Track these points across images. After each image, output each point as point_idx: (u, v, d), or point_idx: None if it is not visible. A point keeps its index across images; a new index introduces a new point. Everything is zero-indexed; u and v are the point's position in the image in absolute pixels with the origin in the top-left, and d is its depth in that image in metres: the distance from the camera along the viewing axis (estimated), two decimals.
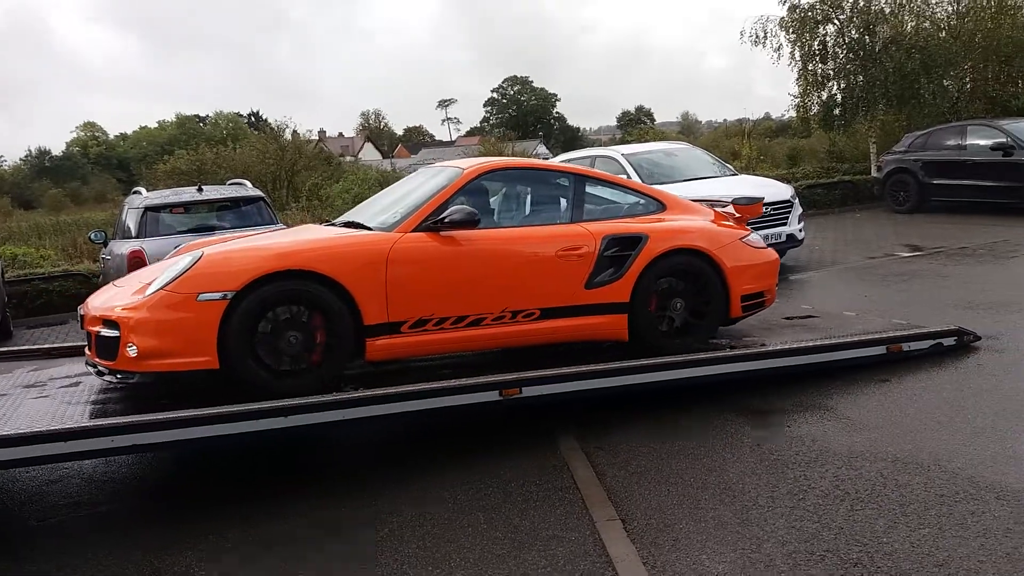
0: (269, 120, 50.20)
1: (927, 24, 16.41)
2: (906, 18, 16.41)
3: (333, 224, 5.42)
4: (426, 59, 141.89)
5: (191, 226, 7.99)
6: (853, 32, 16.46)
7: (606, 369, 4.62)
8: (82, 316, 4.61)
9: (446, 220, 4.65)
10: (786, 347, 5.17)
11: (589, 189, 5.40)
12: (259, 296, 4.18)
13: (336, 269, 4.33)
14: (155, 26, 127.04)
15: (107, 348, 4.23)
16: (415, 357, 4.87)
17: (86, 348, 4.56)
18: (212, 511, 4.03)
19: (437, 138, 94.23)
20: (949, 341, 5.58)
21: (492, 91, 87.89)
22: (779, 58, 17.08)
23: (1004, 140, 12.69)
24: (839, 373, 5.21)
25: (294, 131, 30.22)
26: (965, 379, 5.03)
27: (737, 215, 5.76)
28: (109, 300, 4.50)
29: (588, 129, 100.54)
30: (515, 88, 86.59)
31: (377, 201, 5.76)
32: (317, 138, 47.43)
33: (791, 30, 16.61)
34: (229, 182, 9.70)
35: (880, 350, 5.38)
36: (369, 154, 75.59)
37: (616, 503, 3.70)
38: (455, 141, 79.11)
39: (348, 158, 58.02)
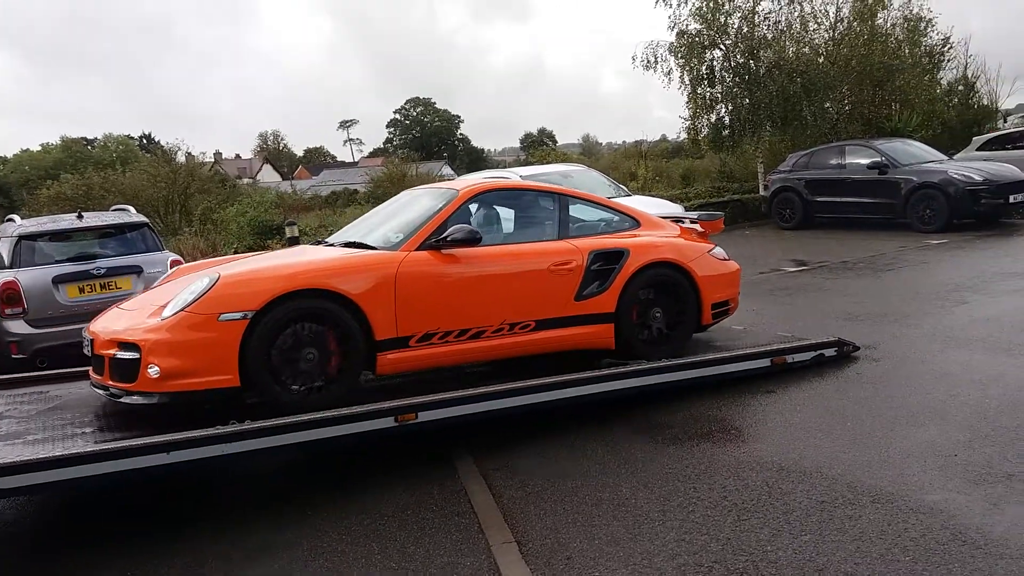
0: (162, 143, 48.45)
1: (807, 49, 17.30)
2: (787, 44, 17.26)
3: (329, 244, 5.60)
4: (325, 79, 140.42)
5: (70, 255, 7.57)
6: (738, 57, 17.19)
7: (500, 391, 4.61)
8: (91, 341, 4.61)
9: (448, 239, 4.90)
10: (676, 362, 5.28)
11: (572, 207, 5.73)
12: (278, 315, 4.32)
13: (350, 287, 4.52)
14: (37, 46, 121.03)
15: (125, 370, 4.28)
16: (422, 369, 5.05)
17: (92, 372, 4.64)
18: (89, 552, 3.79)
19: (339, 159, 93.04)
20: (830, 352, 5.85)
21: (395, 112, 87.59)
22: (670, 82, 17.69)
23: (879, 159, 13.49)
24: (728, 386, 5.38)
25: (188, 153, 29.28)
26: (845, 388, 5.26)
27: (701, 230, 6.20)
28: (122, 323, 4.56)
29: (493, 150, 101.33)
30: (418, 109, 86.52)
31: (369, 221, 5.94)
32: (212, 160, 46.02)
33: (680, 55, 17.23)
34: (112, 208, 9.25)
35: (765, 363, 5.58)
36: (268, 176, 73.80)
37: (512, 525, 3.68)
38: (358, 162, 78.30)
39: (246, 180, 56.55)
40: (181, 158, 27.56)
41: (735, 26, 16.99)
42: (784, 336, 6.21)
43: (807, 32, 17.34)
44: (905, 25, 17.80)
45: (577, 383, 4.89)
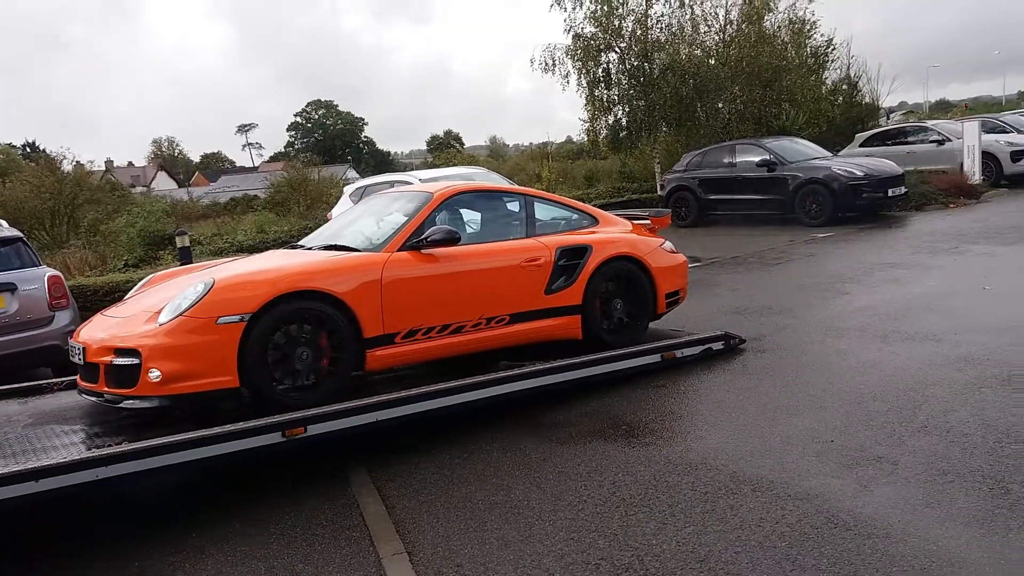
0: (47, 151, 45.91)
1: (698, 52, 17.85)
2: (680, 46, 17.76)
3: (306, 247, 5.74)
4: (222, 83, 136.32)
5: None
6: (633, 60, 17.58)
7: (393, 399, 4.55)
8: (82, 349, 4.62)
9: (428, 239, 5.16)
10: (570, 362, 5.33)
11: (537, 207, 6.10)
12: (274, 316, 4.48)
13: (340, 288, 4.72)
14: None
15: (124, 376, 4.34)
16: (408, 365, 5.22)
17: (81, 380, 4.72)
18: None
19: (238, 164, 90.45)
20: (718, 345, 6.04)
21: (295, 115, 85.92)
22: (568, 84, 17.94)
23: (768, 157, 14.04)
24: (621, 382, 5.48)
25: (76, 161, 27.81)
26: (731, 380, 5.43)
27: (652, 226, 6.68)
28: (114, 330, 4.61)
29: (400, 153, 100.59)
30: (320, 112, 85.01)
31: (340, 225, 6.16)
32: (104, 168, 43.91)
33: (576, 58, 17.50)
34: None
35: (656, 358, 5.71)
36: (163, 183, 71.04)
37: (404, 536, 3.64)
38: (258, 167, 76.18)
39: (139, 189, 54.12)
40: (68, 167, 26.14)
41: (629, 29, 17.36)
42: (676, 331, 6.38)
43: (698, 35, 17.90)
44: (790, 27, 18.58)
45: (472, 387, 4.87)
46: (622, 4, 17.15)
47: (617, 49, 17.62)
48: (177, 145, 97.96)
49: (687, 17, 17.53)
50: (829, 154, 14.85)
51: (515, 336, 5.50)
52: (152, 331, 4.37)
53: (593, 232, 6.12)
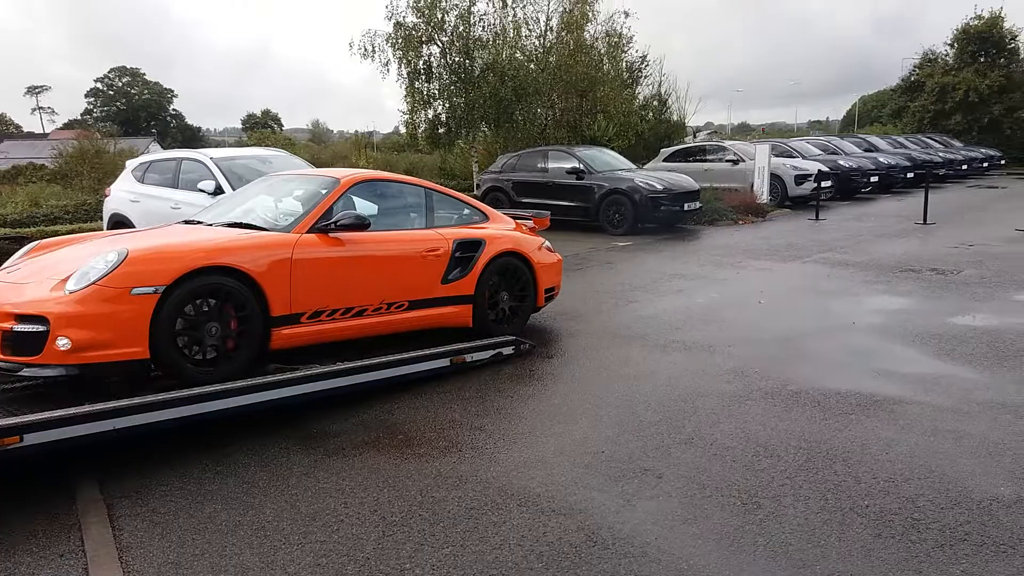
0: None
1: (519, 55, 18.00)
2: (502, 47, 17.83)
3: (205, 224, 5.72)
4: (10, 39, 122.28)
5: None
6: (455, 55, 17.45)
7: (132, 405, 3.99)
8: None
9: (337, 223, 5.32)
10: (353, 365, 5.01)
11: (437, 200, 6.38)
12: (186, 289, 4.49)
13: (252, 266, 4.79)
14: None
15: (27, 343, 4.24)
16: (311, 344, 5.22)
17: None
18: None
19: (27, 129, 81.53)
20: (508, 350, 5.95)
21: (96, 81, 78.81)
22: (388, 73, 17.51)
23: (577, 165, 14.36)
24: (407, 387, 5.23)
25: None
26: (515, 386, 5.34)
27: (533, 226, 7.13)
28: (13, 295, 4.49)
29: (213, 130, 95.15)
30: (124, 79, 78.49)
31: (234, 203, 6.20)
32: None
33: (397, 47, 17.10)
34: None
35: (445, 362, 5.51)
36: None
37: (126, 563, 3.17)
38: (48, 134, 69.02)
39: None
40: None
41: (452, 24, 17.20)
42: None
43: (520, 38, 18.04)
44: (607, 40, 19.21)
45: (240, 392, 4.42)
46: None
47: (439, 43, 17.41)
48: None
49: (509, 19, 17.64)
50: (634, 166, 15.44)
51: (412, 322, 5.77)
52: (61, 298, 4.30)
53: (485, 227, 6.48)
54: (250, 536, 3.37)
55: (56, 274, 4.57)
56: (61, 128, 73.11)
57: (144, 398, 4.08)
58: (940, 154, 26.16)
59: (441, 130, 18.05)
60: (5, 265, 5.38)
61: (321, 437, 4.50)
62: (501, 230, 6.56)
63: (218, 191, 9.05)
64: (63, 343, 4.18)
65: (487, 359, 5.79)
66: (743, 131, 70.55)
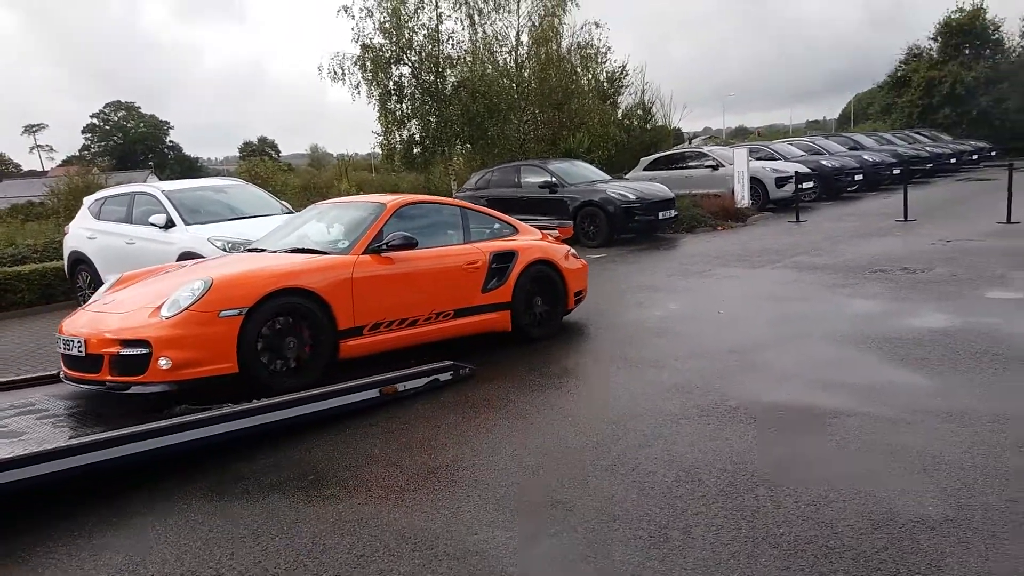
0: None
1: (490, 70, 17.87)
2: (472, 63, 17.70)
3: (270, 251, 6.37)
4: (3, 78, 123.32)
5: None
6: (425, 74, 17.33)
7: (16, 458, 3.80)
8: (83, 342, 5.07)
9: (388, 244, 5.99)
10: (268, 402, 4.79)
11: (471, 217, 7.01)
12: (266, 310, 5.13)
13: (321, 286, 5.47)
14: None
15: (133, 365, 4.87)
16: (373, 354, 5.79)
17: (77, 372, 5.16)
18: None
19: (26, 168, 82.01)
20: (445, 376, 5.74)
21: (92, 116, 79.23)
22: (359, 95, 17.38)
23: (550, 179, 14.22)
24: (334, 422, 5.03)
25: None
26: (446, 414, 5.12)
27: (558, 235, 7.74)
28: (116, 324, 5.10)
29: (213, 159, 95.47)
30: (119, 114, 78.93)
31: (289, 230, 6.90)
32: None
33: (367, 69, 16.99)
34: None
35: (373, 393, 5.31)
36: None
37: None
38: (48, 172, 69.35)
39: None
40: None
41: (420, 43, 17.09)
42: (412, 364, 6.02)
43: (491, 53, 17.93)
44: (579, 52, 19.07)
45: (139, 436, 4.23)
46: (412, 17, 16.83)
47: (409, 62, 17.30)
48: None
49: (478, 36, 17.52)
50: (608, 177, 15.27)
51: (458, 329, 6.35)
52: (159, 323, 4.92)
53: (515, 239, 7.07)
54: None
55: (148, 303, 5.21)
56: (60, 165, 73.52)
57: (33, 449, 3.89)
58: (928, 149, 25.92)
59: (416, 149, 17.90)
60: (95, 297, 6.10)
61: (232, 480, 4.30)
62: (531, 241, 7.13)
63: (169, 224, 8.92)
64: (164, 363, 4.80)
65: (422, 387, 5.58)
66: (740, 135, 70.39)
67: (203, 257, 8.07)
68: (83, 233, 10.26)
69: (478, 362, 6.13)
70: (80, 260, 10.25)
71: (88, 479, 4.14)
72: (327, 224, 6.70)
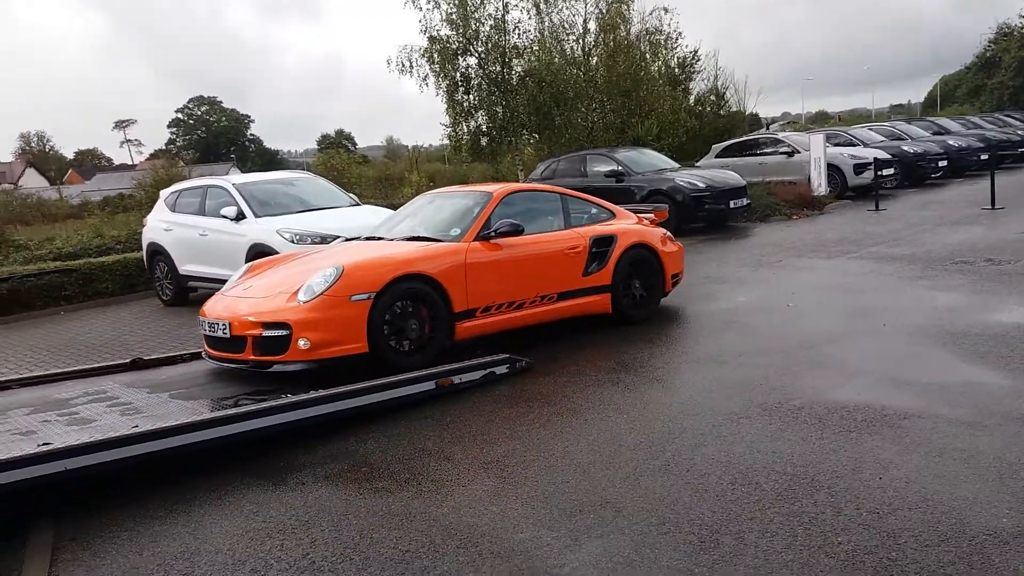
0: None
1: (558, 59, 17.70)
2: (539, 53, 17.57)
3: (383, 239, 6.73)
4: (97, 78, 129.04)
5: None
6: (492, 65, 17.29)
7: (85, 445, 3.95)
8: (228, 325, 5.53)
9: (497, 230, 6.27)
10: (328, 393, 4.86)
11: (570, 203, 7.19)
12: (392, 294, 5.52)
13: (438, 272, 5.82)
14: None
15: (275, 345, 5.31)
16: (485, 335, 6.19)
17: (223, 352, 5.63)
18: None
19: (117, 162, 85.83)
20: (501, 369, 5.71)
21: (177, 112, 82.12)
22: (427, 87, 17.46)
23: (616, 168, 14.01)
24: (391, 413, 5.05)
25: None
26: (502, 408, 5.10)
27: (654, 219, 7.83)
28: (257, 308, 5.56)
29: (293, 151, 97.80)
30: (203, 108, 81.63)
31: (401, 219, 7.31)
32: None
33: (433, 61, 17.04)
34: None
35: (429, 385, 5.32)
36: (33, 180, 66.79)
37: None
38: (136, 165, 72.39)
39: (5, 186, 50.21)
40: None
41: (486, 33, 17.05)
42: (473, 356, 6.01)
43: (558, 42, 17.76)
44: (648, 38, 18.71)
45: (207, 425, 4.35)
46: (478, 7, 16.79)
47: (476, 53, 17.28)
48: (48, 141, 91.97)
49: (545, 25, 17.36)
50: (677, 165, 14.96)
51: (561, 311, 6.61)
52: (297, 307, 5.32)
53: (613, 224, 7.21)
54: None
55: (284, 288, 5.60)
56: (148, 159, 76.61)
57: (106, 436, 4.05)
58: (1020, 132, 24.49)
59: (484, 140, 17.89)
60: (229, 284, 6.44)
61: (286, 471, 4.37)
62: (628, 225, 7.26)
63: (240, 216, 9.13)
64: (303, 343, 5.19)
65: (478, 380, 5.57)
66: (821, 119, 68.10)
67: (272, 248, 8.25)
68: (160, 225, 10.62)
69: (535, 355, 6.08)
70: (157, 251, 10.62)
71: (155, 466, 4.27)
72: (437, 212, 7.03)
